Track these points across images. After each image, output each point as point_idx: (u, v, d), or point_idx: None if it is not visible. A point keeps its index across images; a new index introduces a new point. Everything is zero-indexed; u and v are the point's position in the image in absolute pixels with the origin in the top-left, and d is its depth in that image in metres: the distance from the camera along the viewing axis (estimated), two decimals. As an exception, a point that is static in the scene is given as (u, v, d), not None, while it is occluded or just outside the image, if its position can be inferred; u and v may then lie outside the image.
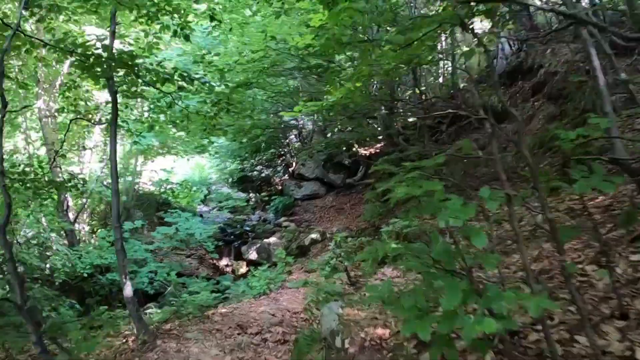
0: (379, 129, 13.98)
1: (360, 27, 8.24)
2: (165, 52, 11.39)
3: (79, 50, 4.04)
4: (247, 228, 14.98)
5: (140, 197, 15.00)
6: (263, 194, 17.53)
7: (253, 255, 12.62)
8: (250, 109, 12.20)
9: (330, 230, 12.27)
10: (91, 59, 4.10)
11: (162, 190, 15.85)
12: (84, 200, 11.79)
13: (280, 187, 17.68)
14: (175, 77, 4.96)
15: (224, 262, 13.55)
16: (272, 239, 13.08)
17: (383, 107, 11.45)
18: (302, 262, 10.77)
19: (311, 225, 13.72)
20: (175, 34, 5.12)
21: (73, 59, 4.19)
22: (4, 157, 12.03)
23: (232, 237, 14.45)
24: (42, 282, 9.62)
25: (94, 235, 12.31)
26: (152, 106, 6.07)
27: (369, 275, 5.86)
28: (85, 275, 9.25)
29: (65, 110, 6.27)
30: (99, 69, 4.31)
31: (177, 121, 6.56)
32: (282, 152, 18.87)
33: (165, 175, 15.48)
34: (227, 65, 6.19)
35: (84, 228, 12.25)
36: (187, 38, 5.20)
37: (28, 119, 12.50)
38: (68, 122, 6.55)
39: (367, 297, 3.03)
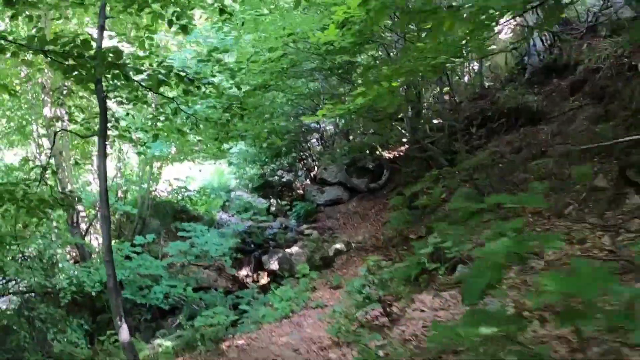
0: (403, 131, 13.26)
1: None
2: (179, 54, 10.81)
3: (53, 48, 3.34)
4: (269, 236, 14.34)
5: (157, 205, 14.46)
6: (284, 202, 16.88)
7: (274, 265, 11.99)
8: (270, 112, 11.57)
9: (355, 239, 11.55)
10: (70, 59, 3.43)
11: (179, 197, 15.35)
12: (96, 209, 11.28)
13: (301, 192, 17.02)
14: (172, 78, 4.22)
15: (243, 272, 12.94)
16: (294, 249, 12.40)
17: (410, 109, 10.75)
18: (326, 275, 10.05)
19: (335, 233, 12.98)
20: (170, 23, 4.39)
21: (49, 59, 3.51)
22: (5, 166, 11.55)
23: (252, 246, 13.84)
24: (52, 299, 9.13)
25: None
26: (155, 113, 5.41)
27: (406, 302, 5.09)
28: (94, 294, 8.70)
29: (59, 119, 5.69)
30: (82, 71, 3.63)
31: (185, 129, 5.88)
32: (303, 156, 18.21)
33: (182, 182, 14.99)
34: (238, 64, 5.45)
35: (96, 239, 11.73)
36: (185, 30, 4.44)
37: (40, 125, 12.04)
38: (68, 133, 6.00)
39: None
